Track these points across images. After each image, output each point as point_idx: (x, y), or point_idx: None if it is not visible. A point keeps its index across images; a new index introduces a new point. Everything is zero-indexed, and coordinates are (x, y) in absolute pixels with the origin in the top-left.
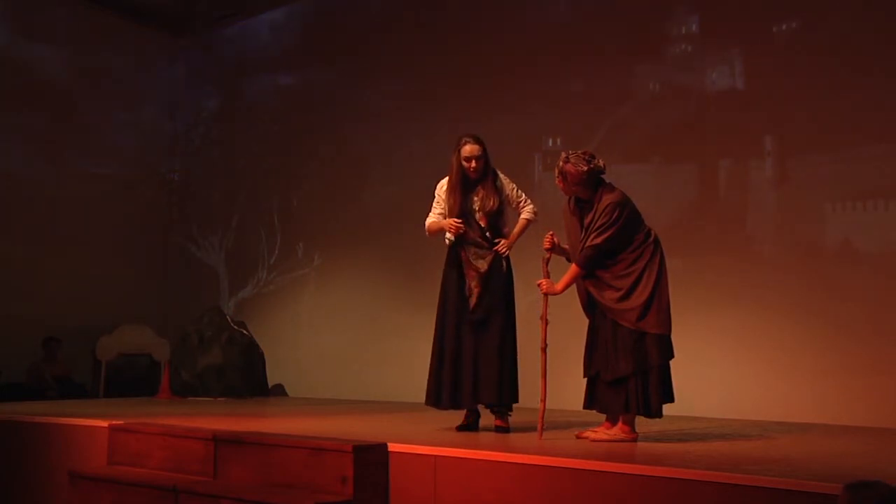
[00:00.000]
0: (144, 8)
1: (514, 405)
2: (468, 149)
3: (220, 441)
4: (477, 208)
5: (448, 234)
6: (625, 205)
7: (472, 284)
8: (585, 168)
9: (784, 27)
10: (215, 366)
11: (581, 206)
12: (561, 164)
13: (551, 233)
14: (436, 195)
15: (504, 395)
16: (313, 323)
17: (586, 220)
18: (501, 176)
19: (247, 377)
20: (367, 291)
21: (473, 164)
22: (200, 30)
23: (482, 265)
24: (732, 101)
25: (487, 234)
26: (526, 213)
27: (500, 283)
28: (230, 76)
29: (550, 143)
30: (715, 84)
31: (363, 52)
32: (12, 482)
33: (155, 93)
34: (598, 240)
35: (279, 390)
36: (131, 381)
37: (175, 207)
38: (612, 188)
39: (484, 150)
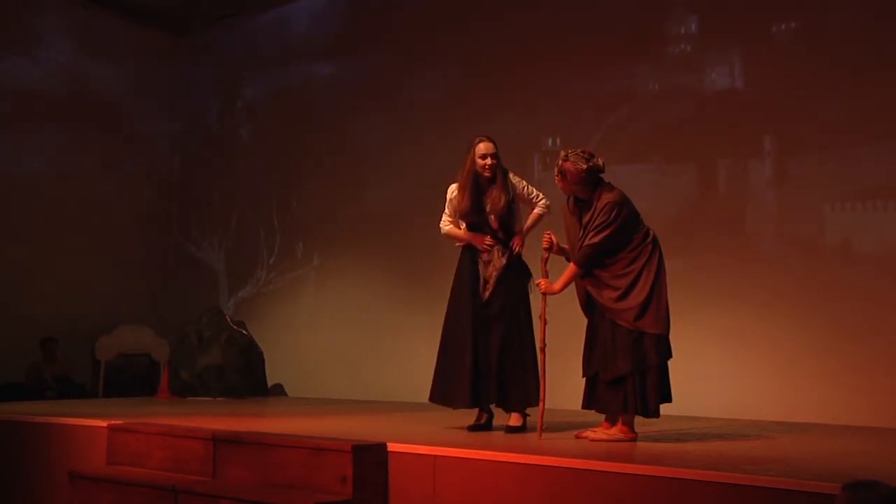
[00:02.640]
0: (144, 8)
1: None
2: (483, 146)
3: (220, 441)
4: (488, 210)
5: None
6: (623, 204)
7: (487, 276)
8: (585, 166)
9: (784, 27)
10: (215, 366)
11: (580, 206)
12: (560, 162)
13: (550, 232)
14: (447, 199)
15: (531, 397)
16: (313, 323)
17: (585, 219)
18: (511, 175)
19: (246, 377)
20: (366, 291)
21: (489, 160)
22: (200, 30)
23: (498, 263)
24: (732, 101)
25: (500, 234)
26: (539, 207)
27: (515, 280)
28: (230, 76)
29: (550, 143)
30: (714, 84)
31: (362, 52)
32: (12, 482)
33: (155, 93)
34: (597, 239)
35: (279, 390)
36: (131, 381)
37: (175, 207)
38: (611, 188)
39: (497, 149)
